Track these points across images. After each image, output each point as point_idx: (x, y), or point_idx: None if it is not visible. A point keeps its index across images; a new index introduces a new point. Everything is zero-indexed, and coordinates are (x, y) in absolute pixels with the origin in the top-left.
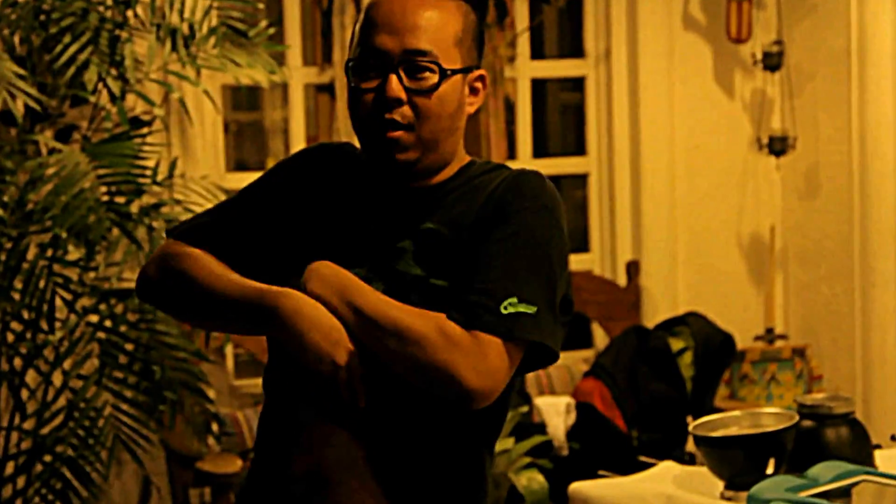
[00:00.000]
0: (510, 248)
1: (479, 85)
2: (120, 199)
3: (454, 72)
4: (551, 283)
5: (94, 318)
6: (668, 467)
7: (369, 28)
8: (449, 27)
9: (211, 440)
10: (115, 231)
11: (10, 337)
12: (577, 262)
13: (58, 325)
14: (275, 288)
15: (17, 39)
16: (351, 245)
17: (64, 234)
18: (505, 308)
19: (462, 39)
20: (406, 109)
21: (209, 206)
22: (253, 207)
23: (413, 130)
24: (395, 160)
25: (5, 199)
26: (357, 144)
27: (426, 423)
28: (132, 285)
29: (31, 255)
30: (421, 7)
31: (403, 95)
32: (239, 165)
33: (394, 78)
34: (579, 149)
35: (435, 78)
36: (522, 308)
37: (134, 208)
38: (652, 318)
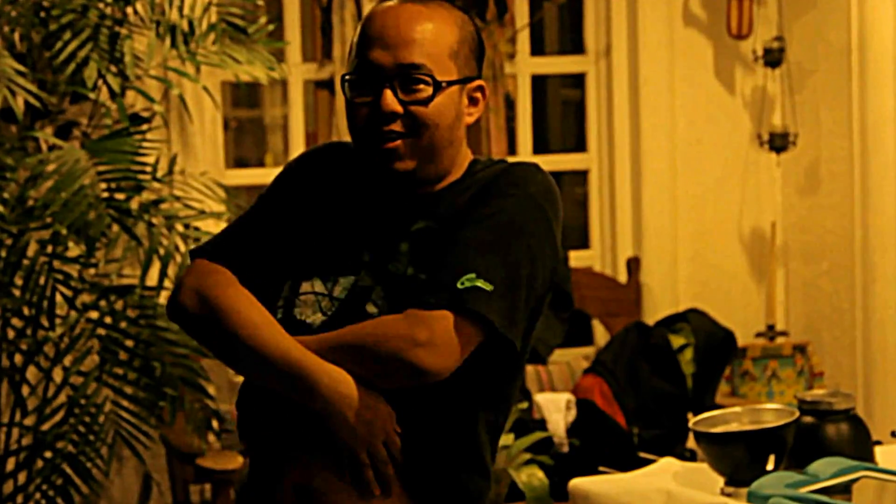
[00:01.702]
0: (478, 228)
1: (478, 95)
2: (120, 196)
3: (449, 83)
4: (518, 268)
5: (94, 315)
6: (668, 463)
7: (364, 42)
8: (443, 39)
9: (211, 437)
10: (115, 227)
11: (11, 333)
12: (577, 258)
13: (58, 321)
14: (314, 360)
15: (17, 36)
16: (357, 252)
17: (64, 231)
18: (462, 283)
19: (458, 51)
20: (402, 121)
21: (208, 202)
22: (268, 221)
23: (409, 140)
24: (393, 170)
25: (6, 195)
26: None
27: (421, 438)
28: (132, 281)
29: (31, 251)
30: (415, 20)
31: (399, 108)
32: (238, 162)
33: (388, 92)
34: (580, 145)
35: (429, 90)
36: (479, 283)
37: (134, 205)
38: (653, 314)
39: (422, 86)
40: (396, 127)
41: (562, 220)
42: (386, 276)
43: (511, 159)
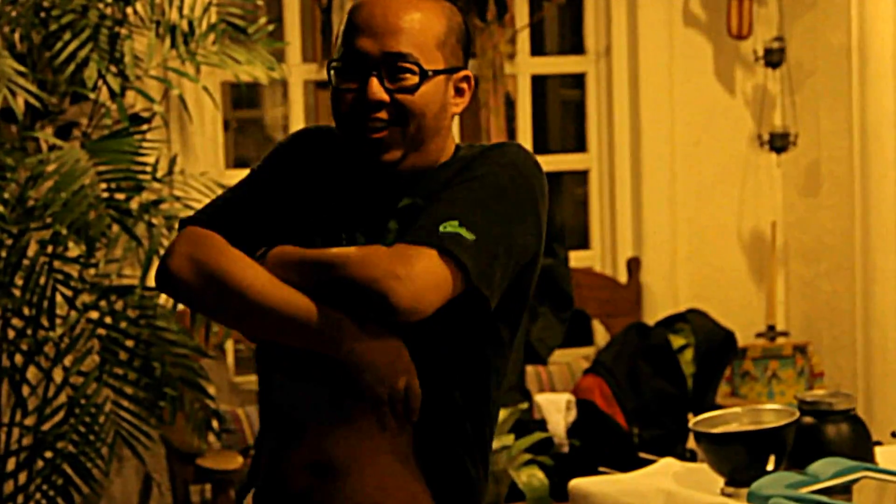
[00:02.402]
0: (464, 188)
1: (464, 85)
2: (120, 196)
3: (436, 73)
4: (498, 227)
5: (94, 315)
6: (668, 464)
7: (351, 31)
8: (431, 29)
9: (211, 437)
10: (115, 228)
11: (11, 333)
12: (577, 258)
13: (58, 321)
14: (331, 312)
15: (17, 36)
16: (340, 227)
17: (64, 231)
18: (443, 228)
19: (445, 41)
20: (388, 110)
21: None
22: (261, 194)
23: (395, 129)
24: (379, 161)
25: (6, 195)
26: None
27: (428, 412)
28: (132, 282)
29: (31, 251)
30: (402, 9)
31: (385, 97)
32: (238, 162)
33: (374, 80)
34: (580, 145)
35: (415, 79)
36: (462, 231)
37: (134, 205)
38: (653, 315)
39: (408, 74)
40: (382, 115)
41: (547, 197)
42: None
43: None
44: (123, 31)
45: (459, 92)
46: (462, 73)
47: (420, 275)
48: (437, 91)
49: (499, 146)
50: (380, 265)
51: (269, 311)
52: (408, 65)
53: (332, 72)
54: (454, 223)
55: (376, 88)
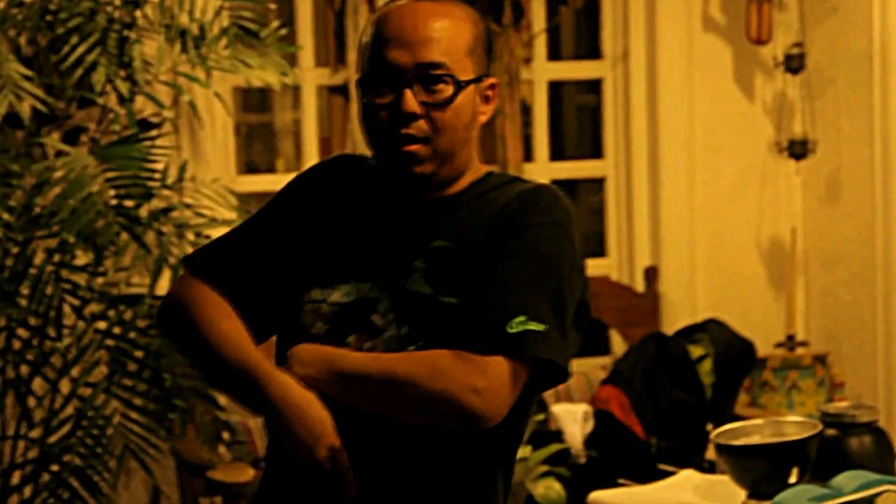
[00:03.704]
0: (518, 264)
1: (490, 93)
2: (129, 203)
3: (468, 82)
4: (561, 300)
5: (102, 325)
6: (688, 476)
7: (380, 42)
8: (461, 37)
9: (222, 449)
10: (124, 235)
11: (17, 344)
12: (594, 267)
13: (65, 331)
14: (268, 371)
15: (23, 40)
16: (361, 259)
17: (72, 239)
18: (512, 327)
19: (474, 49)
20: (422, 123)
21: (220, 210)
22: (270, 232)
23: (429, 143)
24: (412, 174)
25: (12, 203)
26: (368, 153)
27: (436, 445)
28: (141, 290)
29: (38, 260)
30: (431, 18)
31: (419, 110)
32: (249, 168)
33: (409, 93)
34: (596, 152)
35: (450, 90)
36: (532, 326)
37: (143, 212)
38: (671, 324)
39: (442, 85)
40: (416, 129)
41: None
42: (396, 290)
43: (527, 166)
44: (132, 35)
45: (486, 100)
46: (489, 81)
47: (498, 385)
48: (468, 101)
49: (532, 194)
50: (455, 379)
51: (215, 360)
52: (442, 76)
53: (362, 86)
54: (521, 318)
55: (411, 101)
